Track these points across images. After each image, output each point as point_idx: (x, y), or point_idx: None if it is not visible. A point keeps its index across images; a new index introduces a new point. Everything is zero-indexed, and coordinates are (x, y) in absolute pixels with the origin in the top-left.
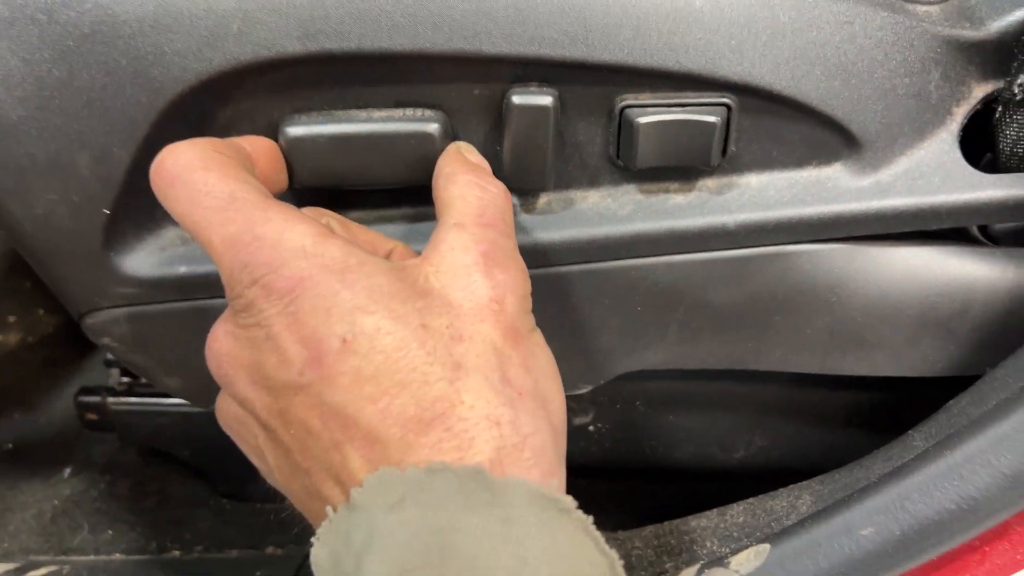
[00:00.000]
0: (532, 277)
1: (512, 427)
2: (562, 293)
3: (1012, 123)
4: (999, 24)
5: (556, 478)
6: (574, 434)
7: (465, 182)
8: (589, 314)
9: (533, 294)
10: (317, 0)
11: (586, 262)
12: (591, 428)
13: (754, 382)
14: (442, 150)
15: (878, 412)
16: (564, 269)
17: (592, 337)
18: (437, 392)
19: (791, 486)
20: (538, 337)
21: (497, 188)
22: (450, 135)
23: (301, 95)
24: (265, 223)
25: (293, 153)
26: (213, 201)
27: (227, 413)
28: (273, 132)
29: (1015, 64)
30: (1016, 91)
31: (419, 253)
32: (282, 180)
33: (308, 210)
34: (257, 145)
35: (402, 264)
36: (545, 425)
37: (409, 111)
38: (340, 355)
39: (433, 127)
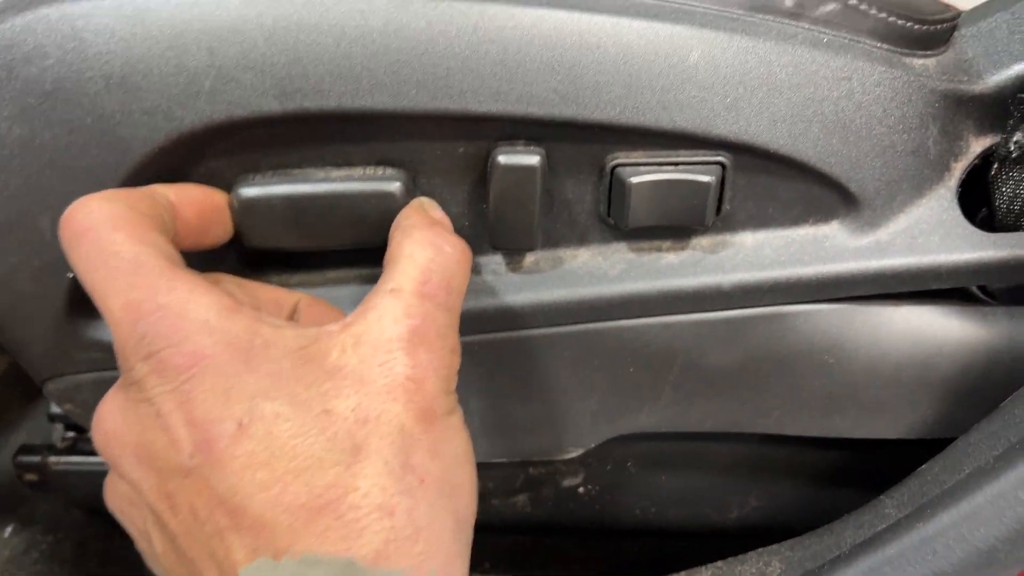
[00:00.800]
0: (519, 339)
1: (407, 517)
2: (551, 355)
3: (1008, 180)
4: (997, 78)
5: (455, 570)
6: (564, 496)
7: (420, 239)
8: (579, 376)
9: (523, 355)
10: (295, 57)
11: (576, 323)
12: (581, 490)
13: (747, 442)
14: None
15: (879, 472)
16: (553, 330)
17: (582, 400)
18: (331, 478)
19: (760, 550)
20: (456, 420)
21: (453, 248)
22: (412, 193)
23: (269, 153)
24: (169, 292)
25: (246, 215)
26: (117, 263)
27: (115, 493)
28: None
29: (1011, 121)
30: (1012, 148)
31: (327, 304)
32: (219, 232)
33: (206, 276)
34: (185, 195)
35: (316, 335)
36: (447, 515)
37: (369, 169)
38: (234, 440)
39: (394, 185)
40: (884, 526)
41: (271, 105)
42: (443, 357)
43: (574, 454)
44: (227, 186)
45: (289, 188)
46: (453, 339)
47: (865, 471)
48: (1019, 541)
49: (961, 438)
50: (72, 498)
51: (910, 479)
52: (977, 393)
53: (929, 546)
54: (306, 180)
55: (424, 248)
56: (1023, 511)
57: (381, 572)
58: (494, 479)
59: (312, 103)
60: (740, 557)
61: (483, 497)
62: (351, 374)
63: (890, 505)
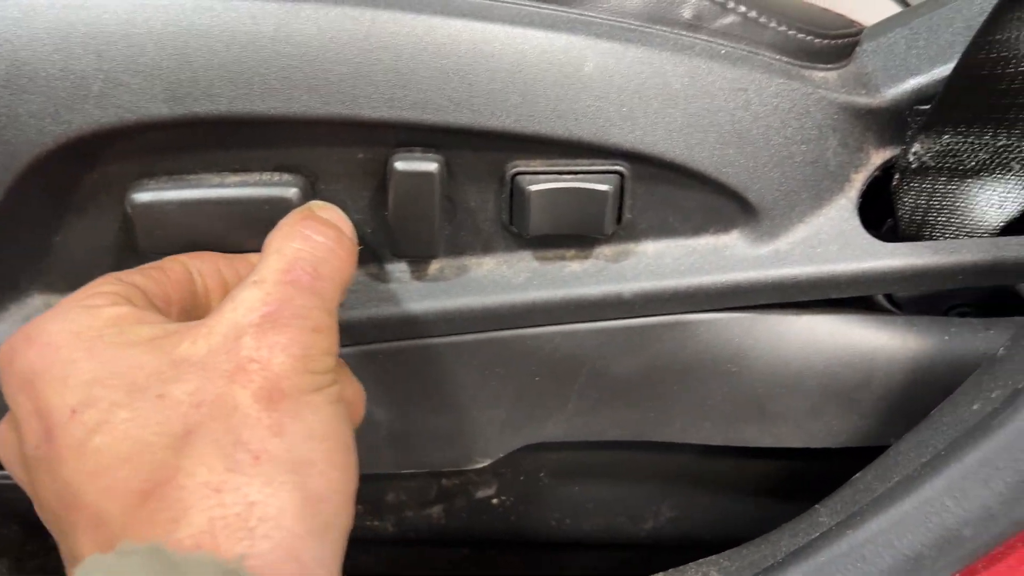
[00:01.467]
0: (424, 347)
1: (236, 494)
2: (456, 364)
3: (909, 191)
4: (894, 92)
5: (303, 550)
6: (478, 507)
7: (287, 232)
8: (485, 385)
9: (428, 364)
10: (185, 62)
11: (481, 331)
12: (495, 501)
13: (660, 451)
14: None
15: (788, 481)
16: (458, 339)
17: (489, 409)
18: (159, 461)
19: (700, 561)
20: (318, 398)
21: (325, 236)
22: (311, 198)
23: (163, 159)
24: (56, 307)
25: (140, 221)
26: None
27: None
28: None
29: (909, 133)
30: (911, 159)
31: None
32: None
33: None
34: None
35: (176, 328)
36: (289, 492)
37: (266, 175)
38: (67, 428)
39: (291, 191)
40: (817, 534)
41: (161, 109)
42: (300, 335)
43: (483, 464)
44: (122, 191)
45: (184, 193)
46: (318, 319)
47: (776, 481)
48: (945, 547)
49: (892, 447)
50: (8, 513)
51: (844, 488)
52: (879, 402)
53: (858, 553)
54: (201, 185)
55: (291, 239)
56: (948, 517)
57: (193, 558)
58: (407, 490)
59: (203, 108)
60: (680, 568)
61: (397, 509)
62: (197, 362)
63: (824, 513)
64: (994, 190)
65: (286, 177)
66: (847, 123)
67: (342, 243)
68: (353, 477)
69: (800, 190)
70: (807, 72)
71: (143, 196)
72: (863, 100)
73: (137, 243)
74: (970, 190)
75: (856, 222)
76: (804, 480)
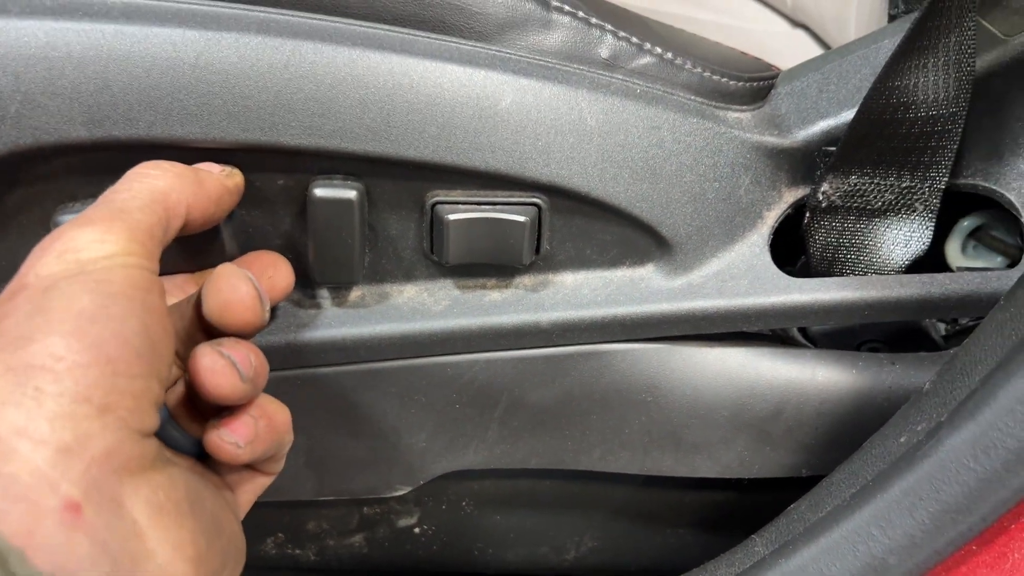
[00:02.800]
0: (344, 373)
1: None
2: (375, 390)
3: (819, 229)
4: (805, 133)
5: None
6: (400, 537)
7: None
8: (405, 412)
9: (348, 390)
10: (103, 86)
11: (401, 358)
12: (417, 530)
13: (582, 481)
14: (226, 232)
15: (708, 511)
16: (377, 365)
17: (408, 436)
18: None
19: None
20: (79, 283)
21: (148, 166)
22: (236, 218)
23: (89, 181)
24: None
25: None
26: None
27: None
28: None
29: (818, 172)
30: (820, 198)
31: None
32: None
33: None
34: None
35: None
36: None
37: None
38: None
39: None
40: (752, 563)
41: (79, 132)
42: (67, 230)
43: (404, 491)
44: (45, 214)
45: None
46: (94, 214)
47: (696, 512)
48: (872, 575)
49: (826, 478)
50: None
51: (780, 517)
52: (789, 434)
53: None
54: None
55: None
56: (875, 546)
57: None
58: (328, 519)
59: (121, 131)
60: None
61: (318, 537)
62: None
63: (760, 543)
64: (900, 229)
65: None
66: (759, 162)
67: (151, 164)
68: (112, 359)
69: (713, 226)
70: (721, 112)
71: (68, 218)
72: (775, 140)
73: None
74: (877, 229)
75: (767, 258)
76: (723, 511)
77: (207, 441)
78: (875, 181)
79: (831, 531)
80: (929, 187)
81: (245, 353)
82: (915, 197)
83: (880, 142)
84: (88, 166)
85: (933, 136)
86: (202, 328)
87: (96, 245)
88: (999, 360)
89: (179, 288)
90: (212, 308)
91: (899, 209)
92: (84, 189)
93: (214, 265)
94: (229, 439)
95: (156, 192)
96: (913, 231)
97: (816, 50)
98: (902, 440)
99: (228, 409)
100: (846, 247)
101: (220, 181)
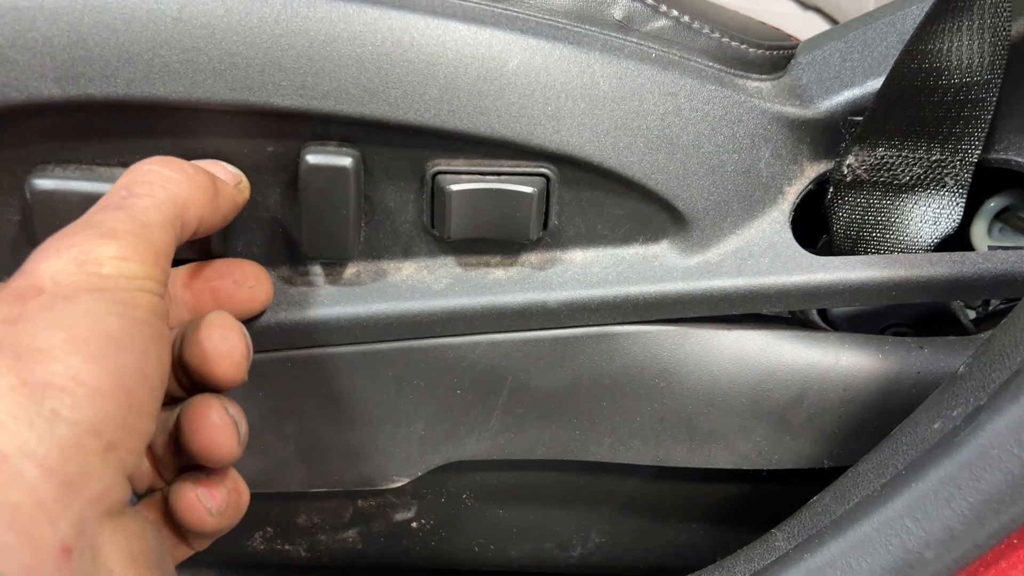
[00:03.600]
0: (337, 355)
1: None
2: (371, 374)
3: (843, 204)
4: (828, 104)
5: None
6: (397, 531)
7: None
8: (403, 398)
9: (342, 374)
10: (78, 39)
11: (399, 339)
12: (414, 524)
13: (588, 473)
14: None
15: (720, 505)
16: (374, 347)
17: (406, 424)
18: None
19: None
20: (92, 297)
21: (152, 164)
22: None
23: (64, 145)
24: None
25: (40, 209)
26: None
27: None
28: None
29: (843, 145)
30: (845, 172)
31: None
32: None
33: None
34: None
35: None
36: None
37: None
38: None
39: None
40: (773, 559)
41: (51, 90)
42: (83, 241)
43: (400, 483)
44: (15, 181)
45: (88, 185)
46: (112, 226)
47: (706, 506)
48: (906, 570)
49: (852, 468)
50: None
51: (802, 510)
52: (811, 422)
53: None
54: (105, 179)
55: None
56: (909, 539)
57: None
58: (320, 512)
59: (97, 89)
60: None
61: (309, 531)
62: None
63: (781, 538)
64: (929, 206)
65: None
66: (780, 134)
67: (172, 166)
68: (130, 391)
69: (731, 200)
70: (740, 81)
71: (44, 183)
72: (797, 111)
73: (35, 234)
74: (905, 205)
75: (788, 235)
76: (738, 504)
77: (180, 497)
78: (904, 154)
79: (861, 524)
80: (961, 160)
81: (241, 414)
82: (945, 171)
83: (910, 111)
84: (62, 128)
85: (967, 104)
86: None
87: (119, 263)
88: None
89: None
90: (188, 439)
91: (928, 184)
92: (58, 153)
93: (200, 255)
94: (207, 503)
95: (177, 205)
96: (943, 207)
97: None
98: (936, 427)
99: (201, 470)
100: (872, 224)
101: (232, 197)
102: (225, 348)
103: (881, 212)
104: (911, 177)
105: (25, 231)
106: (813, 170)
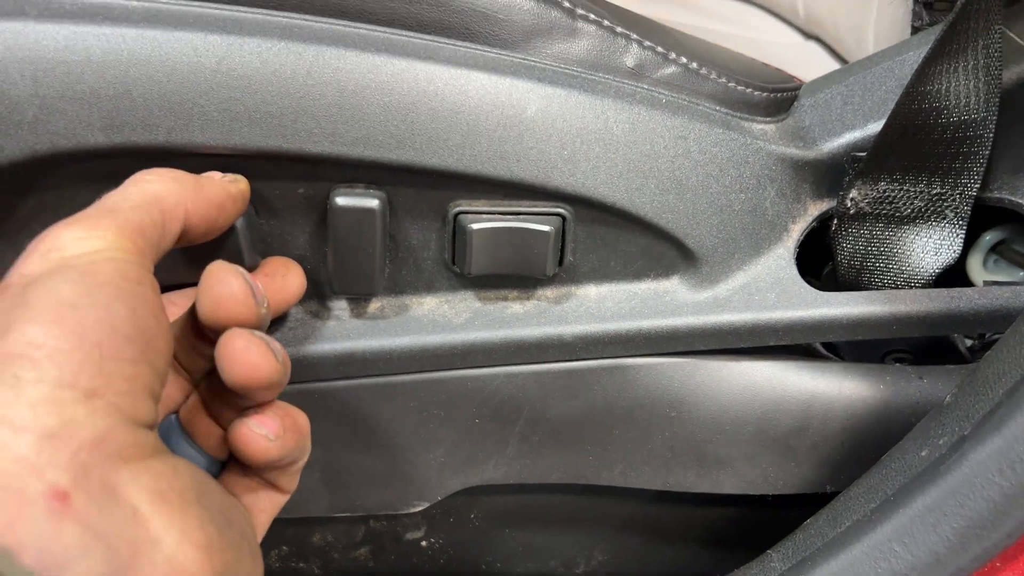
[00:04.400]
0: (362, 387)
1: None
2: (392, 404)
3: (847, 236)
4: (830, 145)
5: None
6: (407, 550)
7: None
8: (423, 427)
9: (365, 404)
10: (123, 90)
11: (420, 371)
12: (424, 543)
13: (593, 495)
14: (245, 241)
15: (719, 526)
16: (396, 379)
17: (426, 452)
18: None
19: None
20: (76, 271)
21: (150, 173)
22: (255, 226)
23: (104, 188)
24: None
25: None
26: None
27: None
28: None
29: (846, 179)
30: (849, 205)
31: None
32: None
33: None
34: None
35: None
36: None
37: None
38: None
39: (238, 221)
40: None
41: (97, 138)
42: (58, 229)
43: (419, 508)
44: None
45: None
46: (94, 212)
47: (706, 527)
48: None
49: (844, 492)
50: None
51: (796, 532)
52: (815, 449)
53: None
54: None
55: None
56: (897, 563)
57: None
58: (334, 532)
59: (140, 137)
60: None
61: (323, 551)
62: None
63: (776, 559)
64: (930, 237)
65: None
66: (784, 174)
67: (163, 172)
68: (99, 343)
69: (739, 238)
70: (746, 124)
71: None
72: (800, 152)
73: None
74: (907, 237)
75: (794, 271)
76: (736, 525)
77: (237, 437)
78: (905, 187)
79: (851, 547)
80: (960, 194)
81: (270, 338)
82: (946, 204)
83: (911, 147)
84: (104, 173)
85: (965, 141)
86: (204, 336)
87: (80, 242)
88: None
89: (192, 300)
90: (204, 306)
91: (929, 216)
92: (99, 196)
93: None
94: (259, 430)
95: (150, 194)
96: (943, 239)
97: (830, 62)
98: (923, 454)
99: (251, 410)
100: (875, 255)
101: (223, 186)
102: (227, 291)
103: (884, 243)
104: (912, 210)
105: None
106: (815, 208)
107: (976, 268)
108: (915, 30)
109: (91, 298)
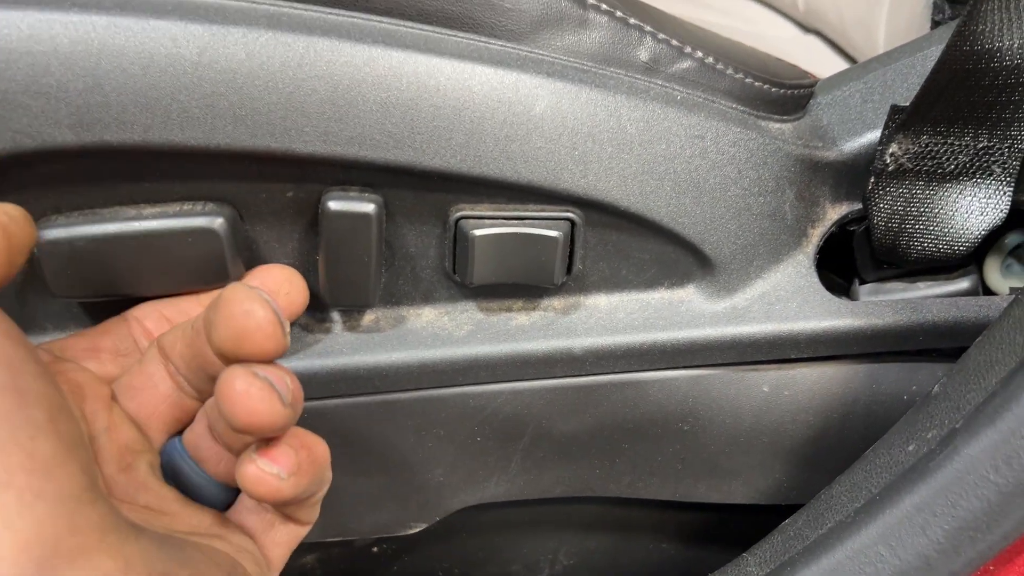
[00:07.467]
0: (355, 406)
1: None
2: (390, 424)
3: (885, 195)
4: (851, 145)
5: None
6: (357, 556)
7: None
8: (421, 447)
9: (360, 424)
10: (94, 84)
11: (418, 389)
12: (375, 549)
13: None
14: (228, 247)
15: (692, 527)
16: (393, 397)
17: (425, 472)
18: None
19: None
20: None
21: None
22: (239, 230)
23: (74, 191)
24: None
25: (49, 259)
26: None
27: None
28: None
29: (885, 132)
30: (888, 160)
31: None
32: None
33: None
34: None
35: None
36: None
37: (187, 205)
38: None
39: (217, 222)
40: None
41: (65, 136)
42: None
43: (417, 529)
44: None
45: (96, 228)
46: None
47: (679, 524)
48: None
49: (824, 490)
50: None
51: (774, 535)
52: (830, 458)
53: None
54: (115, 219)
55: None
56: (884, 568)
57: None
58: None
59: (113, 136)
60: None
61: None
62: None
63: (752, 563)
64: (975, 196)
65: (210, 206)
66: (804, 176)
67: None
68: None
69: (758, 244)
70: (763, 123)
71: (51, 233)
72: (819, 153)
73: (47, 284)
74: (950, 196)
75: (815, 279)
76: (711, 526)
77: (243, 476)
78: (949, 141)
79: (833, 551)
80: (1009, 147)
81: (280, 374)
82: (992, 159)
83: (960, 95)
84: (74, 174)
85: (1018, 88)
86: (211, 357)
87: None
88: (1020, 360)
89: (182, 312)
90: (225, 338)
91: (975, 173)
92: (69, 200)
93: (218, 284)
94: (270, 469)
95: None
96: (990, 197)
97: (830, 55)
98: (910, 449)
99: (261, 443)
100: (915, 216)
101: None
102: (252, 322)
103: (925, 203)
104: (957, 165)
105: (35, 282)
106: (835, 212)
107: (994, 272)
108: (935, 24)
109: None
